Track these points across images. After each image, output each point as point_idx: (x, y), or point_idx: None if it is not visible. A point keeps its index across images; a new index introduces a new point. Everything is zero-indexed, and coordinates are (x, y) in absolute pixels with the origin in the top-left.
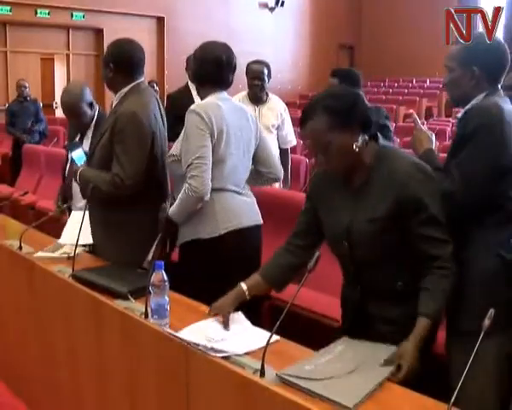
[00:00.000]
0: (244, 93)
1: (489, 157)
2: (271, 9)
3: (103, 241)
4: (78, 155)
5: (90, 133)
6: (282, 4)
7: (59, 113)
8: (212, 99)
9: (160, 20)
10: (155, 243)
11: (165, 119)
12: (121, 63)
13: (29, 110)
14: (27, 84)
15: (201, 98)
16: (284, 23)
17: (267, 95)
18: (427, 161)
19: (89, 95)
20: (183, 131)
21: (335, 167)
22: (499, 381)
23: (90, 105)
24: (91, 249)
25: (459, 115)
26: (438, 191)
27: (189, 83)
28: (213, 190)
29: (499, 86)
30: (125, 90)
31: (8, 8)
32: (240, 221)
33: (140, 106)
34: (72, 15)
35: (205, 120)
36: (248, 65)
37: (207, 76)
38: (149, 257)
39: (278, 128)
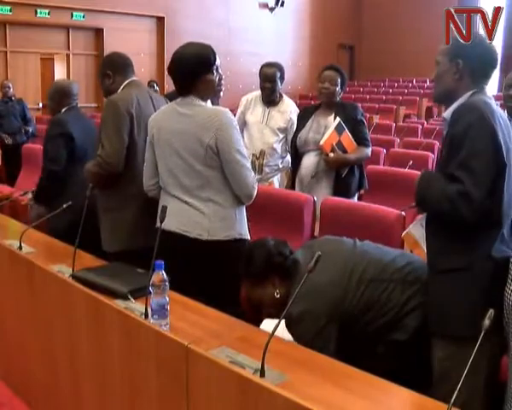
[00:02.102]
0: (257, 93)
1: (489, 152)
2: (271, 9)
3: (106, 228)
4: None
5: None
6: (282, 4)
7: None
8: (171, 103)
9: (160, 20)
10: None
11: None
12: (117, 66)
13: (15, 110)
14: (11, 85)
15: None
16: (284, 23)
17: (281, 96)
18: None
19: (77, 89)
20: None
21: (273, 316)
22: (490, 382)
23: (73, 97)
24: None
25: (445, 115)
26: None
27: None
28: (162, 189)
29: (485, 87)
30: (120, 88)
31: (8, 8)
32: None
33: (121, 95)
34: (72, 15)
35: (150, 123)
36: (262, 67)
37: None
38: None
39: (286, 131)
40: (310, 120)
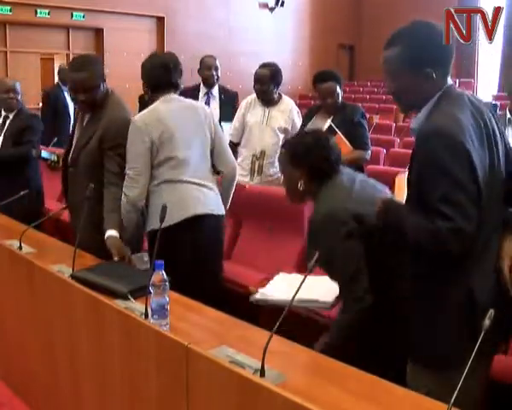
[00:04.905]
0: (255, 95)
1: (470, 179)
2: (271, 9)
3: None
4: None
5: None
6: (282, 4)
7: None
8: (153, 105)
9: (160, 20)
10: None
11: None
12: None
13: None
14: None
15: (151, 104)
16: (284, 23)
17: (280, 96)
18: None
19: (19, 89)
20: None
21: (287, 195)
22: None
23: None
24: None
25: (412, 125)
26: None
27: (202, 85)
28: (163, 182)
29: (449, 79)
30: (103, 98)
31: (8, 8)
32: (193, 210)
33: (128, 112)
34: (72, 15)
35: (142, 129)
36: (257, 68)
37: (157, 80)
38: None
39: (288, 132)
40: (310, 122)
